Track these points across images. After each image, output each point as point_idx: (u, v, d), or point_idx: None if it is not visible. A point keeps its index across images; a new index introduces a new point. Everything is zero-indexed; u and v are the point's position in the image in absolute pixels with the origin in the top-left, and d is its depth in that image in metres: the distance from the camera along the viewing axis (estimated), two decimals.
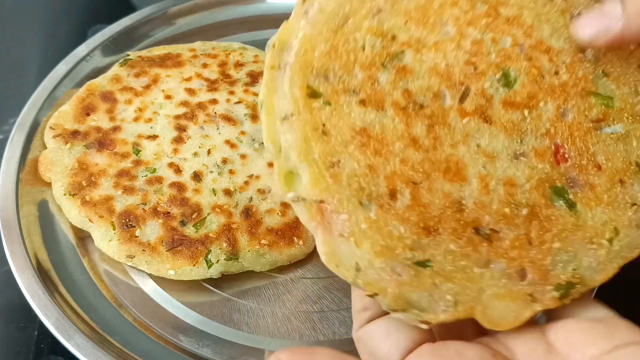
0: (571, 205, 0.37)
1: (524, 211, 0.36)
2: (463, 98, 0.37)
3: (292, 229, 0.55)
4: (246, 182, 0.57)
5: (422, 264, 0.35)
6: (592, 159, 0.38)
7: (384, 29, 0.38)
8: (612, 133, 0.39)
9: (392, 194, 0.35)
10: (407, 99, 0.37)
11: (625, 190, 0.38)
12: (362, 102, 0.36)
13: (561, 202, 0.37)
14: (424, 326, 0.35)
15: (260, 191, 0.57)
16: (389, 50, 0.38)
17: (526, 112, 0.38)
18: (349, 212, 0.35)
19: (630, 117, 0.39)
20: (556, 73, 0.39)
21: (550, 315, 0.36)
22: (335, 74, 0.37)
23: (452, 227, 0.35)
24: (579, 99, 0.39)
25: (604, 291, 0.49)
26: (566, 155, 0.38)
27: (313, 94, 0.36)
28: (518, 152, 0.37)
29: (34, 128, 0.60)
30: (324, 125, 0.36)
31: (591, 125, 0.39)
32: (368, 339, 0.35)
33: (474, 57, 0.38)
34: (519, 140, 0.37)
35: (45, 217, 0.56)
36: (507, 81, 0.38)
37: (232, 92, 0.65)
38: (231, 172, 0.58)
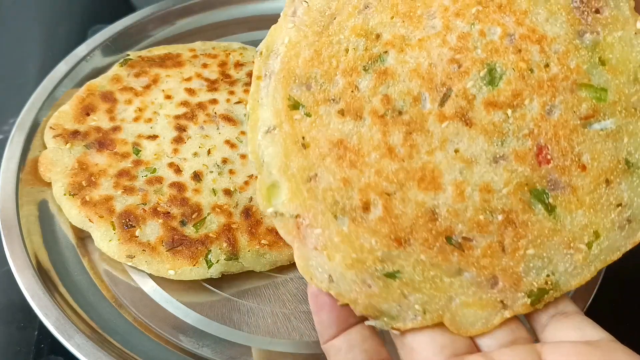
0: (550, 210, 0.36)
1: (499, 217, 0.35)
2: (443, 101, 0.36)
3: None
4: (246, 182, 0.57)
5: (391, 275, 0.35)
6: (577, 159, 0.36)
7: (368, 27, 0.37)
8: (601, 129, 0.37)
9: (366, 207, 0.35)
10: (385, 106, 0.36)
11: (610, 191, 0.36)
12: (341, 112, 0.36)
13: (540, 206, 0.36)
14: (396, 332, 0.35)
15: None
16: (371, 53, 0.37)
17: (509, 111, 0.36)
18: (323, 227, 0.35)
19: (623, 111, 0.37)
20: (546, 66, 0.37)
21: (542, 334, 0.35)
22: (317, 82, 0.36)
23: (424, 237, 0.35)
24: (568, 93, 0.37)
25: (602, 293, 0.49)
26: (549, 157, 0.36)
27: (295, 105, 0.36)
28: (498, 156, 0.36)
29: (34, 128, 0.60)
30: (303, 138, 0.35)
31: (579, 122, 0.37)
32: (332, 353, 0.36)
33: (459, 54, 0.37)
34: (500, 143, 0.36)
35: (45, 217, 0.56)
36: (491, 79, 0.37)
37: (232, 92, 0.65)
38: (231, 172, 0.58)
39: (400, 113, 0.36)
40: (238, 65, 0.69)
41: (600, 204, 0.36)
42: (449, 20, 0.37)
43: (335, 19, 0.37)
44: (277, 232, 0.53)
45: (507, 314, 0.35)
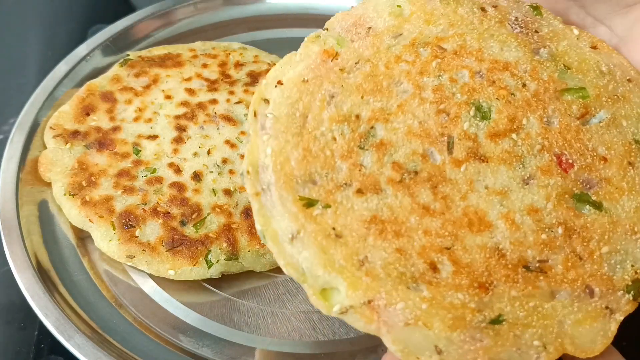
0: (598, 206, 0.37)
1: (559, 230, 0.36)
2: (450, 148, 0.37)
3: None
4: None
5: (497, 321, 0.34)
6: (595, 153, 0.38)
7: (344, 112, 0.38)
8: (599, 122, 0.39)
9: (433, 267, 0.34)
10: (399, 171, 0.36)
11: (637, 171, 0.38)
12: (359, 192, 0.36)
13: (587, 207, 0.37)
14: None
15: None
16: (359, 132, 0.37)
17: (514, 135, 0.38)
18: (403, 299, 0.33)
19: (609, 100, 0.39)
20: (524, 85, 0.39)
21: None
22: (320, 175, 0.36)
23: (504, 274, 0.35)
24: (556, 101, 0.39)
25: None
26: (570, 161, 0.37)
27: (309, 203, 0.35)
28: (526, 177, 0.37)
29: (34, 128, 0.61)
30: (333, 229, 0.35)
31: (578, 122, 0.38)
32: None
33: (442, 104, 0.38)
34: (521, 166, 0.37)
35: (45, 217, 0.56)
36: (482, 114, 0.38)
37: (232, 92, 0.65)
38: (231, 172, 0.58)
39: (416, 173, 0.36)
40: (238, 65, 0.69)
41: (636, 184, 0.37)
42: (416, 80, 0.39)
43: (307, 117, 0.37)
44: None
45: (619, 316, 0.35)
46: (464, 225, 0.35)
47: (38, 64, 0.77)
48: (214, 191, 0.56)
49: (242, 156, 0.59)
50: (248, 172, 0.37)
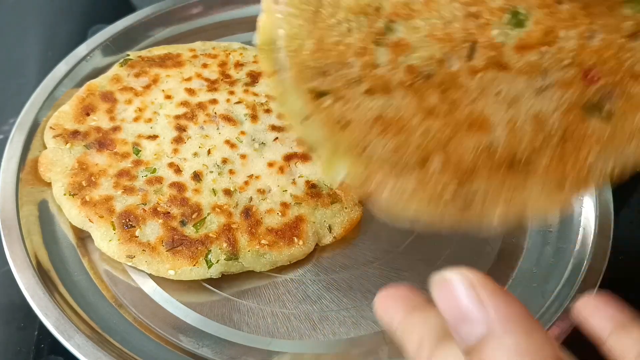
0: (608, 117, 0.34)
1: (556, 137, 0.35)
2: (471, 55, 0.35)
3: (292, 229, 0.54)
4: (246, 182, 0.57)
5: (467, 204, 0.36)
6: (628, 72, 0.34)
7: (364, 2, 0.35)
8: None
9: (424, 162, 0.36)
10: (411, 75, 0.35)
11: None
12: (369, 91, 0.35)
13: (596, 115, 0.35)
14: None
15: (260, 191, 0.57)
16: (377, 28, 0.35)
17: (544, 49, 0.34)
18: (392, 182, 0.36)
19: None
20: None
21: None
22: (332, 69, 0.36)
23: (488, 169, 0.35)
24: (607, 17, 0.34)
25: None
26: (596, 78, 0.34)
27: (320, 94, 0.35)
28: (542, 87, 0.34)
29: (34, 128, 0.60)
30: (340, 120, 0.36)
31: (624, 40, 0.34)
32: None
33: (474, 7, 0.34)
34: (542, 78, 0.34)
35: (45, 217, 0.56)
36: (517, 21, 0.34)
37: (232, 92, 0.65)
38: (231, 172, 0.58)
39: (429, 77, 0.35)
40: (238, 65, 0.69)
41: None
42: None
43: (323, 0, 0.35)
44: (277, 232, 0.54)
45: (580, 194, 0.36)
46: (464, 127, 0.35)
47: (38, 64, 0.77)
48: (214, 191, 0.56)
49: (242, 156, 0.59)
50: (262, 49, 0.37)
